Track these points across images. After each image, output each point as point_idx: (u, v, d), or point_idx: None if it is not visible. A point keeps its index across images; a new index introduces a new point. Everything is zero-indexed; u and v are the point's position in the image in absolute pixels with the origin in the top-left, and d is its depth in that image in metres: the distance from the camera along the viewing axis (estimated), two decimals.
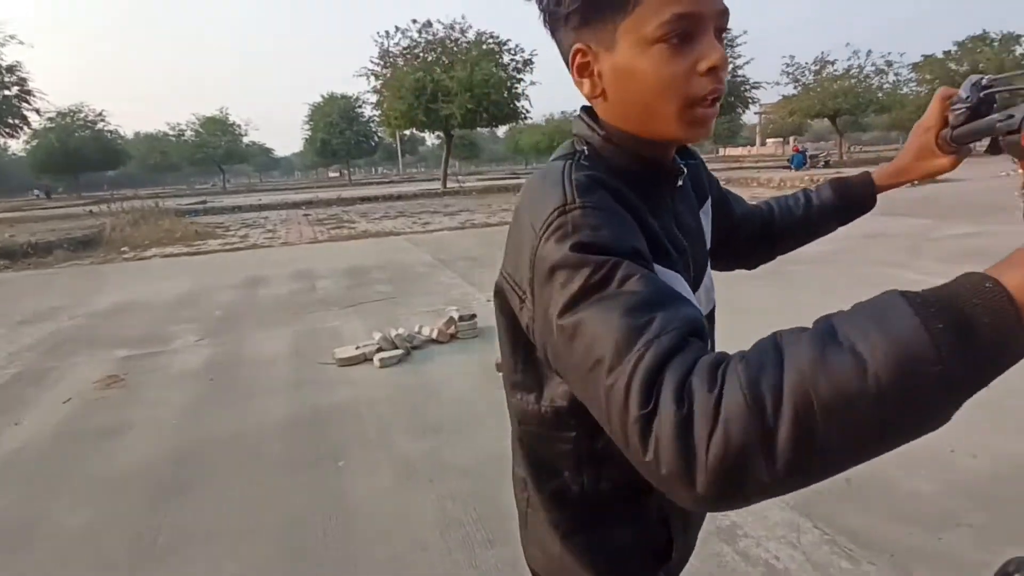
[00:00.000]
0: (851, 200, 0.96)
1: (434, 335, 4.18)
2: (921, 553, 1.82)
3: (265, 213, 18.81)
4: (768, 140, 58.27)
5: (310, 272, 7.56)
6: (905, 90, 30.41)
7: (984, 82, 0.77)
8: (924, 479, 2.21)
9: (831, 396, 0.40)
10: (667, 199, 0.74)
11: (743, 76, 25.92)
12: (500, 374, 0.79)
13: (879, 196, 0.96)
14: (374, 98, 25.06)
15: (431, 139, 42.77)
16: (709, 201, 0.88)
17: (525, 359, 0.72)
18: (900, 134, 47.02)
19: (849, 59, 30.49)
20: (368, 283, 6.65)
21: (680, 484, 0.44)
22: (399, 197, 21.52)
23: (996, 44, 29.70)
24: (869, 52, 30.53)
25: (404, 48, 23.59)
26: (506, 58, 23.47)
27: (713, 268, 0.89)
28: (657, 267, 0.63)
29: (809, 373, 0.41)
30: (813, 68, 30.08)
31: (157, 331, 5.02)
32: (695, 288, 0.76)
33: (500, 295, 0.70)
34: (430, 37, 23.41)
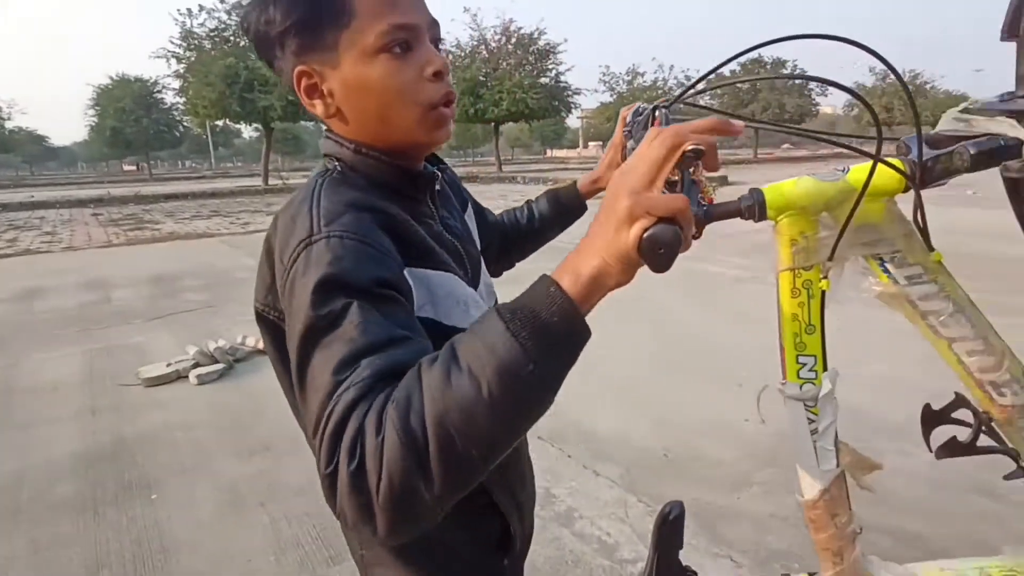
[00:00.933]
0: (564, 209, 1.08)
1: (260, 345, 3.87)
2: (723, 511, 2.10)
3: (41, 212, 15.96)
4: (590, 143, 62.88)
5: (104, 281, 6.58)
6: (703, 102, 34.82)
7: (640, 108, 0.90)
8: (726, 447, 2.54)
9: (460, 417, 0.46)
10: (428, 204, 0.76)
11: (565, 83, 27.57)
12: None
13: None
14: (177, 83, 22.35)
15: (249, 131, 39.46)
16: (471, 206, 0.93)
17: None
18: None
19: (656, 72, 34.31)
20: (179, 291, 5.95)
21: (366, 529, 0.49)
22: (213, 194, 19.57)
23: (769, 67, 35.24)
24: (672, 67, 34.33)
25: (211, 30, 21.35)
26: None
27: None
28: (429, 272, 0.67)
29: (441, 400, 0.47)
30: (626, 78, 33.17)
31: None
32: (475, 286, 0.78)
33: (265, 322, 0.68)
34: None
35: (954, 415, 0.80)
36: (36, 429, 2.93)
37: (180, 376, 3.49)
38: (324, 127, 0.75)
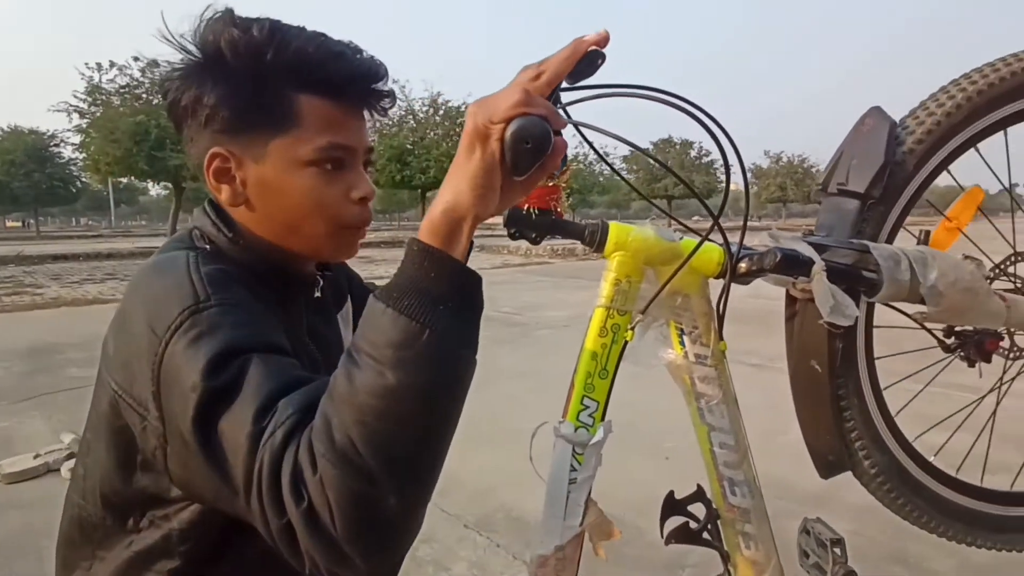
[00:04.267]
0: None
1: None
2: None
3: None
4: None
5: None
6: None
7: None
8: (657, 525, 2.47)
9: (379, 411, 0.45)
10: (299, 310, 0.74)
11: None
12: None
13: None
14: (78, 138, 21.23)
15: (156, 189, 37.73)
16: (348, 306, 0.90)
17: (143, 480, 0.63)
18: (619, 211, 58.29)
19: (576, 148, 36.52)
20: (58, 366, 5.33)
21: (345, 568, 0.47)
22: (109, 255, 18.18)
23: (678, 147, 38.70)
24: (591, 142, 37.09)
25: (121, 86, 20.62)
26: None
27: None
28: None
29: (353, 403, 0.46)
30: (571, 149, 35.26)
31: None
32: None
33: (109, 405, 0.62)
34: (156, 78, 20.92)
35: (691, 507, 0.85)
36: None
37: (50, 470, 3.03)
38: (207, 202, 0.72)
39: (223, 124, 0.65)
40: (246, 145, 0.66)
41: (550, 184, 0.71)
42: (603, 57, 0.50)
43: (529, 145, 0.43)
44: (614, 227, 0.76)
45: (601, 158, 0.75)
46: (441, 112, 27.98)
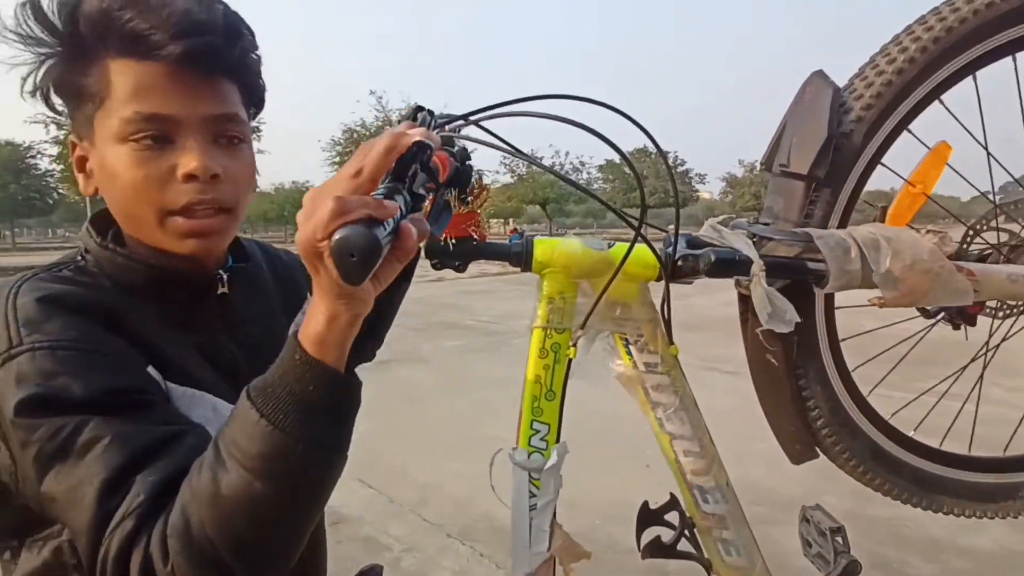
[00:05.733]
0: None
1: None
2: None
3: None
4: (491, 220, 65.16)
5: None
6: (595, 186, 37.83)
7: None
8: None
9: (242, 514, 0.44)
10: (208, 309, 0.67)
11: (469, 164, 28.77)
12: None
13: None
14: (55, 150, 20.96)
15: None
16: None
17: (18, 510, 0.57)
18: (595, 220, 58.45)
19: (553, 157, 36.77)
20: None
21: None
22: None
23: (653, 156, 38.84)
24: (568, 152, 37.17)
25: None
26: None
27: None
28: (173, 387, 0.58)
29: (216, 505, 0.44)
30: (525, 164, 35.17)
31: None
32: None
33: None
34: None
35: (667, 516, 0.82)
36: None
37: None
38: (96, 212, 0.68)
39: (68, 109, 0.60)
40: (81, 126, 0.60)
41: (463, 211, 0.67)
42: (430, 149, 0.47)
43: (355, 258, 0.39)
44: (539, 243, 0.73)
45: (521, 155, 0.71)
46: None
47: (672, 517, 0.82)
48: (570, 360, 0.73)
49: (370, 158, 0.44)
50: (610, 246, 0.74)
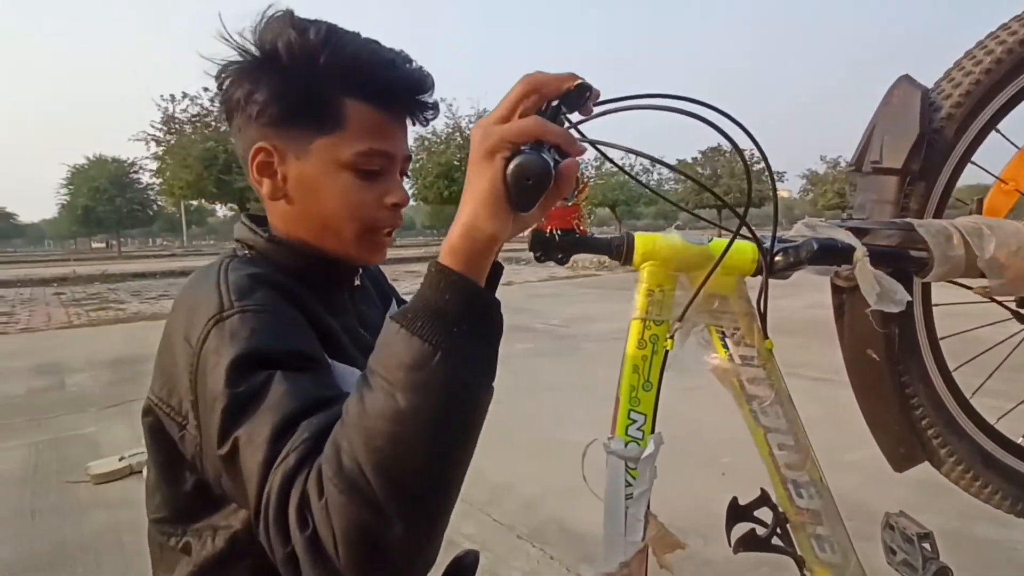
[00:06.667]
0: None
1: None
2: None
3: (0, 291, 15.45)
4: None
5: (59, 365, 6.26)
6: (667, 187, 36.79)
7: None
8: (715, 542, 2.41)
9: (386, 432, 0.44)
10: (346, 299, 0.76)
11: None
12: None
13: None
14: (155, 165, 22.80)
15: (223, 210, 39.71)
16: (394, 304, 0.92)
17: (193, 490, 0.63)
18: (666, 223, 57.93)
19: (622, 159, 36.07)
20: (140, 376, 5.66)
21: None
22: (183, 272, 19.19)
23: (728, 154, 37.59)
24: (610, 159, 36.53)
25: (193, 115, 22.02)
26: None
27: None
28: (336, 364, 0.64)
29: (363, 427, 0.44)
30: (594, 163, 34.73)
31: None
32: None
33: (152, 419, 0.63)
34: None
35: (756, 512, 0.81)
36: None
37: (133, 471, 3.22)
38: (243, 214, 0.75)
39: (271, 119, 0.66)
40: (290, 142, 0.67)
41: (568, 204, 0.70)
42: (590, 90, 0.49)
43: (530, 182, 0.43)
44: (640, 237, 0.75)
45: (624, 172, 0.75)
46: None
47: (762, 514, 0.81)
48: (667, 352, 0.74)
49: (549, 78, 0.47)
50: (709, 240, 0.75)
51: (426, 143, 28.68)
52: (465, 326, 0.46)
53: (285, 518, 0.46)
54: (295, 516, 0.45)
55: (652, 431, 0.75)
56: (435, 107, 0.74)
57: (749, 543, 0.80)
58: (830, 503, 0.79)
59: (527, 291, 10.34)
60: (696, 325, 0.77)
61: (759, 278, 0.75)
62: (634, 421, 0.74)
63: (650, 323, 0.74)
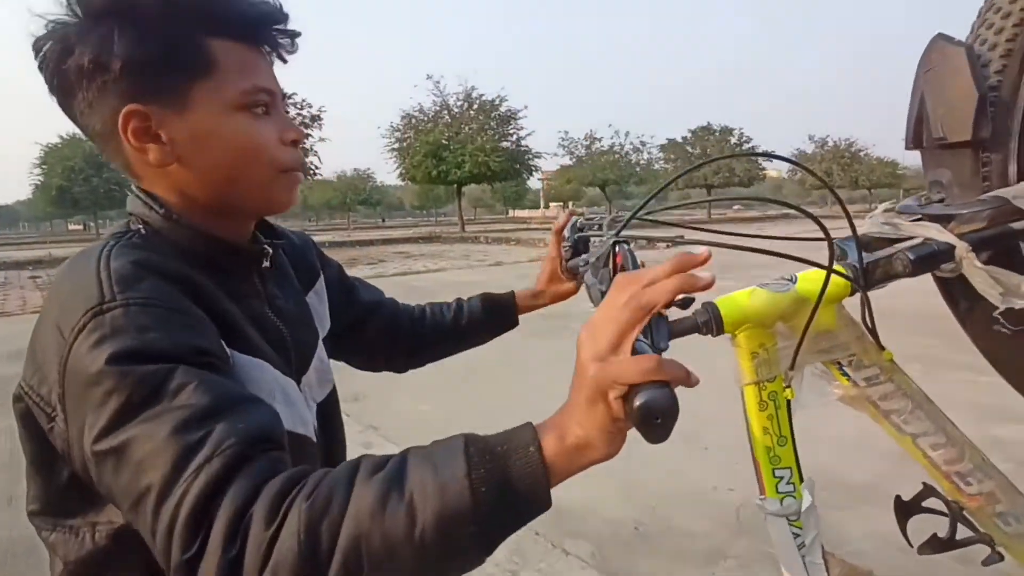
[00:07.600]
0: (497, 316, 1.02)
1: None
2: None
3: None
4: (551, 204, 64.68)
5: None
6: (657, 166, 36.54)
7: (579, 224, 0.93)
8: (696, 516, 2.43)
9: (380, 549, 0.42)
10: (253, 282, 0.71)
11: (526, 146, 28.44)
12: None
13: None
14: None
15: None
16: (321, 280, 0.87)
17: (68, 483, 0.59)
18: (656, 203, 57.94)
19: (612, 137, 35.75)
20: None
21: None
22: None
23: (717, 134, 37.44)
24: (627, 133, 35.84)
25: None
26: (293, 111, 22.66)
27: (338, 357, 0.90)
28: (238, 355, 0.60)
29: (367, 524, 0.43)
30: (584, 143, 34.52)
31: None
32: (301, 372, 0.73)
33: (23, 406, 0.58)
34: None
35: (925, 504, 0.80)
36: None
37: None
38: (134, 183, 0.67)
39: (135, 77, 0.59)
40: (164, 97, 0.61)
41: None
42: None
43: (659, 421, 0.41)
44: (723, 303, 0.69)
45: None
46: (475, 106, 27.76)
47: (930, 504, 0.80)
48: (788, 401, 0.71)
49: (659, 284, 0.47)
50: (792, 280, 0.70)
51: (413, 121, 28.00)
52: (513, 515, 0.46)
53: (200, 524, 0.43)
54: (225, 528, 0.43)
55: (801, 480, 0.72)
56: (295, 38, 0.70)
57: (935, 545, 0.79)
58: (1000, 479, 0.76)
59: (516, 272, 10.29)
60: (809, 363, 0.73)
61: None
62: (780, 478, 0.71)
63: (764, 384, 0.71)
